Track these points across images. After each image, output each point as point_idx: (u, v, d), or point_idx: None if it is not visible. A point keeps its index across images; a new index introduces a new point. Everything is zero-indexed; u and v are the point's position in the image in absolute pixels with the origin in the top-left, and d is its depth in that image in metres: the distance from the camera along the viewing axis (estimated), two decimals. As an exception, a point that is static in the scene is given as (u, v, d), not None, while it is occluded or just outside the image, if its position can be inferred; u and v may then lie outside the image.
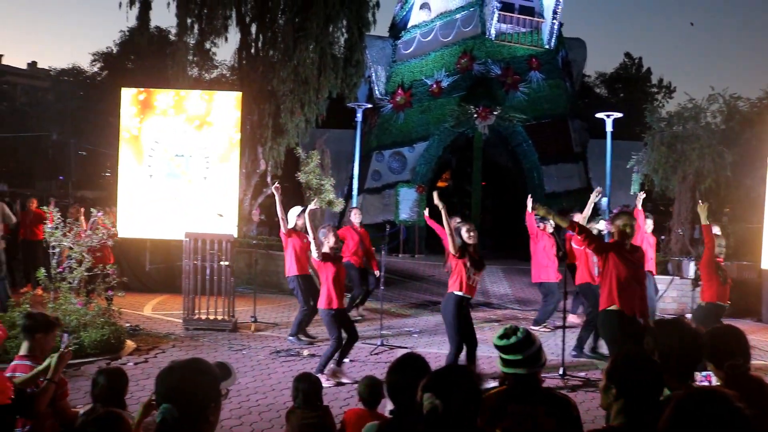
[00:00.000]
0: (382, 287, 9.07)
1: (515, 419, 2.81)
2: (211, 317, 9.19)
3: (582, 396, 6.44)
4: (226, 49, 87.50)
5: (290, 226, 8.64)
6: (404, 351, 7.20)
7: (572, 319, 9.73)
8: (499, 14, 19.71)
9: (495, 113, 19.16)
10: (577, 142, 20.80)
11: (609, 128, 14.03)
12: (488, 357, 6.96)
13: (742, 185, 13.32)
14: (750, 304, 11.12)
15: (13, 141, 31.84)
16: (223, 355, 7.63)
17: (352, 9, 15.05)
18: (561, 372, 7.10)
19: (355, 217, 10.40)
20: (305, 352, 7.95)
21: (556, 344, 8.21)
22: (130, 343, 8.01)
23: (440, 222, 7.00)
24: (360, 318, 10.04)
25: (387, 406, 2.95)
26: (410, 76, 20.30)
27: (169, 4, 14.83)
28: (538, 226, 9.47)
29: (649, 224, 9.32)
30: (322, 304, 6.82)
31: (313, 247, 6.97)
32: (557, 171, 20.19)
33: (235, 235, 10.45)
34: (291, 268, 8.63)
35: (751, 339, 3.63)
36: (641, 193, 9.15)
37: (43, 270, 7.65)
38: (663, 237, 13.22)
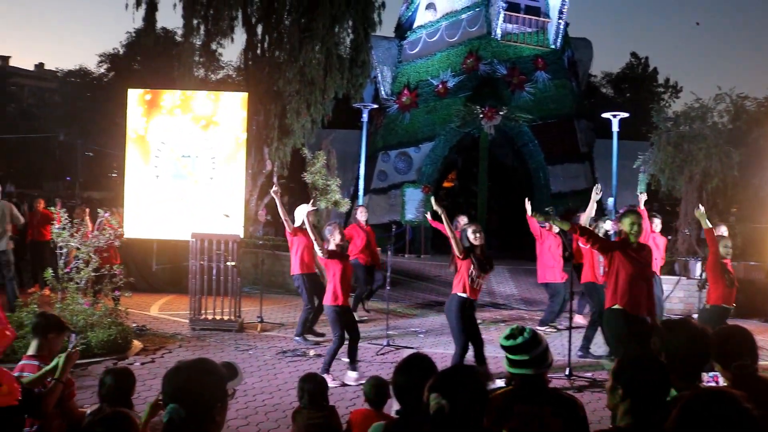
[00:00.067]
0: (388, 287, 9.07)
1: (522, 420, 2.81)
2: (218, 317, 9.21)
3: (588, 396, 6.42)
4: (232, 50, 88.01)
5: (297, 224, 8.65)
6: (410, 351, 7.19)
7: (578, 319, 9.70)
8: (504, 14, 19.67)
9: (501, 113, 19.12)
10: (583, 142, 20.73)
11: (615, 128, 14.01)
12: (495, 357, 6.95)
13: (749, 185, 13.27)
14: (757, 305, 11.04)
15: (21, 142, 32.02)
16: (229, 355, 7.63)
17: (358, 9, 15.06)
18: (567, 372, 7.08)
19: (361, 215, 10.39)
20: (311, 353, 7.96)
21: (562, 344, 8.19)
22: (137, 343, 8.04)
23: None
24: (366, 318, 10.05)
25: (393, 407, 2.95)
26: (416, 76, 20.29)
27: (175, 5, 14.88)
28: (543, 226, 9.35)
29: (657, 224, 9.25)
30: (327, 300, 6.87)
31: (316, 246, 7.00)
32: (563, 171, 20.12)
33: (242, 236, 10.47)
34: (296, 267, 8.66)
35: (759, 339, 3.61)
36: (643, 194, 9.12)
37: (50, 270, 7.68)
38: (669, 237, 13.18)
